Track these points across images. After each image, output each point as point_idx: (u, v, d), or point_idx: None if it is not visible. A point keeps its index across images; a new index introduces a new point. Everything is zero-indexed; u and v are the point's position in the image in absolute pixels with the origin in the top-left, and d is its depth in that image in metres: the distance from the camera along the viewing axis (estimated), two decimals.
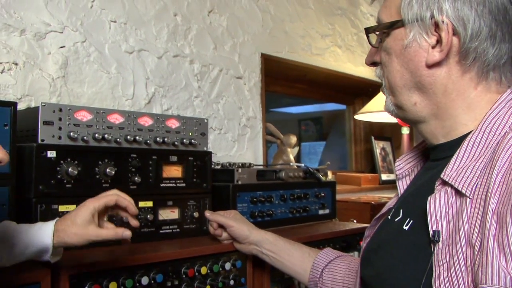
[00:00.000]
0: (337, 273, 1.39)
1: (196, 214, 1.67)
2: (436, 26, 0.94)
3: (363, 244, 1.21)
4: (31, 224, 1.15)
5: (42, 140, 1.35)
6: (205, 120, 1.73)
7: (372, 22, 3.62)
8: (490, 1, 0.92)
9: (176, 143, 1.63)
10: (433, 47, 0.95)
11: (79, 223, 1.10)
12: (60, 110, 1.39)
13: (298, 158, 4.48)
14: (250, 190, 1.84)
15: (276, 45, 2.81)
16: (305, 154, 4.72)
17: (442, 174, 0.92)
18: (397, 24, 0.99)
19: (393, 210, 1.10)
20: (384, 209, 1.17)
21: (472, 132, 0.93)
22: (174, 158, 1.63)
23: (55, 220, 1.13)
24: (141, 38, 2.14)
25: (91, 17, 1.98)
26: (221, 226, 1.55)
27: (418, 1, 0.95)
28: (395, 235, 1.03)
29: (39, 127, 1.35)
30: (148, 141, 1.57)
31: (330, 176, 3.13)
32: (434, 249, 0.87)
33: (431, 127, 1.03)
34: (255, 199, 1.84)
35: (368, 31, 1.06)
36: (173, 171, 1.63)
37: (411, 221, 0.99)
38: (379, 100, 3.04)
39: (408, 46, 0.98)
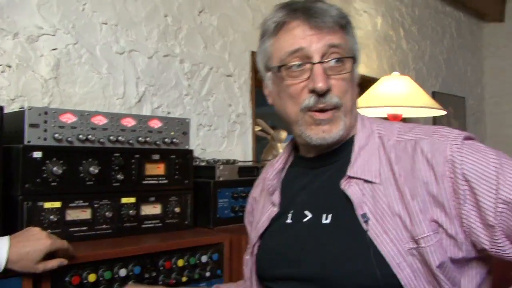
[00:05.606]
0: None
1: (177, 209, 1.76)
2: None
3: (252, 251, 1.30)
4: None
5: (29, 142, 1.45)
6: (187, 120, 1.82)
7: (366, 19, 3.68)
8: None
9: (158, 142, 1.73)
10: None
11: (32, 259, 1.18)
12: (46, 113, 1.49)
13: None
14: (231, 186, 1.93)
15: None
16: None
17: (348, 173, 1.14)
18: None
19: (290, 215, 1.22)
20: (266, 222, 1.27)
21: (355, 143, 1.18)
22: (156, 157, 1.72)
23: (8, 241, 1.17)
24: (132, 39, 2.23)
25: (83, 20, 2.07)
26: None
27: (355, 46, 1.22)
28: (315, 231, 1.15)
29: (25, 129, 1.45)
30: (131, 141, 1.67)
31: None
32: (367, 226, 1.07)
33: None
34: (235, 195, 1.93)
35: (354, 59, 1.21)
36: (155, 169, 1.72)
37: (329, 214, 1.15)
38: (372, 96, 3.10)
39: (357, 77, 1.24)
